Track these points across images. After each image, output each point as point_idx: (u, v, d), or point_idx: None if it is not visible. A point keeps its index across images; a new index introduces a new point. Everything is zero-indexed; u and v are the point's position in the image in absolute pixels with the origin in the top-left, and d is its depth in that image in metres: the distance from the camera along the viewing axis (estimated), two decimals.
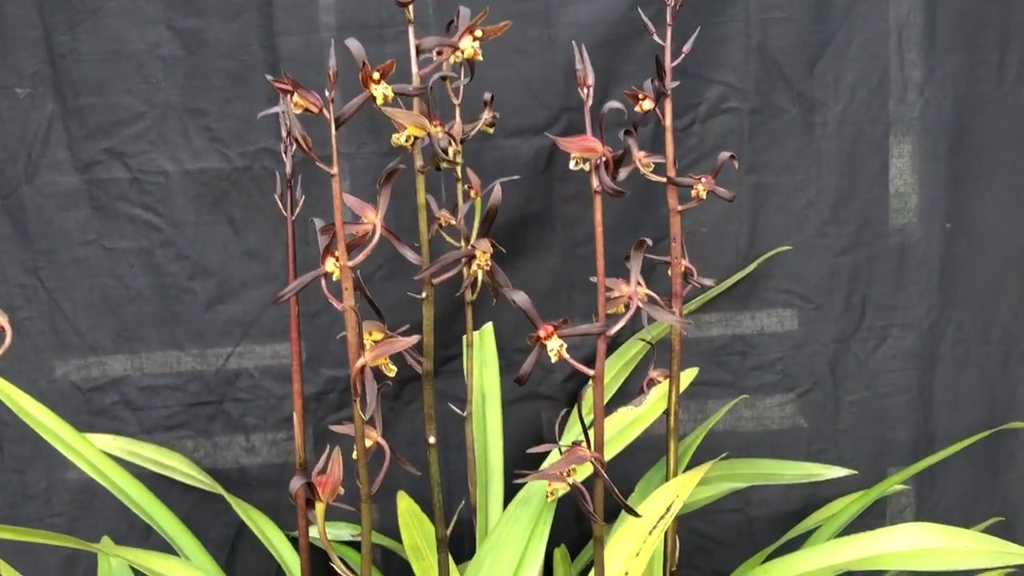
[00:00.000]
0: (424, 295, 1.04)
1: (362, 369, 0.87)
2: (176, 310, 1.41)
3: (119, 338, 1.41)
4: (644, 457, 1.34)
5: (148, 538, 1.40)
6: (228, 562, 1.48)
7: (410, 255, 0.89)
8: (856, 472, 1.40)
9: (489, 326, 1.38)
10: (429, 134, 0.95)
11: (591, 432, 0.91)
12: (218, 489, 1.36)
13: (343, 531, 1.45)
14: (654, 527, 1.04)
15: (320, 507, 0.88)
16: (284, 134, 1.09)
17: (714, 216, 1.44)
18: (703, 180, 1.10)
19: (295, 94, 0.82)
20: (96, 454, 1.24)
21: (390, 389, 1.46)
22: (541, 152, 1.40)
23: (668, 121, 1.12)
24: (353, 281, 0.86)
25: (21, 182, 1.36)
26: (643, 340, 1.25)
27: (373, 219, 0.87)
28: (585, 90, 0.86)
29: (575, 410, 1.42)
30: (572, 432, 1.24)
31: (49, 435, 1.23)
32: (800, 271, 1.46)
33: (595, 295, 1.22)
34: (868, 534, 1.14)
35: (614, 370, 1.43)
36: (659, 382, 1.20)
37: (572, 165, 0.86)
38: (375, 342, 0.88)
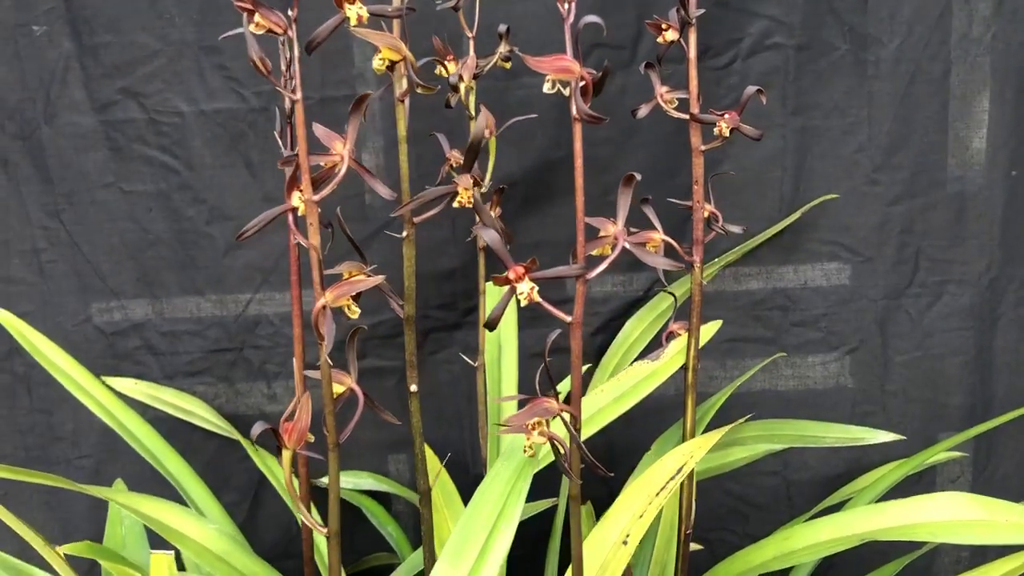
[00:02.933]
0: (405, 234, 0.98)
1: (323, 309, 0.82)
2: (194, 255, 1.38)
3: (140, 283, 1.39)
4: (672, 416, 1.28)
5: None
6: (251, 508, 1.48)
7: (382, 190, 0.84)
8: (904, 438, 1.31)
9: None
10: (406, 58, 0.88)
11: (568, 384, 0.84)
12: (236, 435, 1.35)
13: (365, 480, 1.43)
14: (662, 488, 0.98)
15: (287, 454, 0.84)
16: (284, 66, 1.04)
17: (756, 161, 1.35)
18: (726, 116, 1.02)
19: (256, 13, 0.76)
20: (110, 399, 1.24)
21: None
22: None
23: (691, 53, 1.03)
24: (322, 218, 0.81)
25: (40, 123, 1.34)
26: (668, 292, 1.17)
27: (341, 150, 0.82)
28: (566, 4, 0.78)
29: (599, 367, 1.36)
30: (593, 392, 1.17)
31: (64, 378, 1.23)
32: (848, 221, 1.36)
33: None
34: (900, 502, 1.06)
35: (644, 324, 1.36)
36: (679, 335, 1.13)
37: (546, 88, 0.79)
38: (346, 280, 0.83)
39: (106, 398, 1.23)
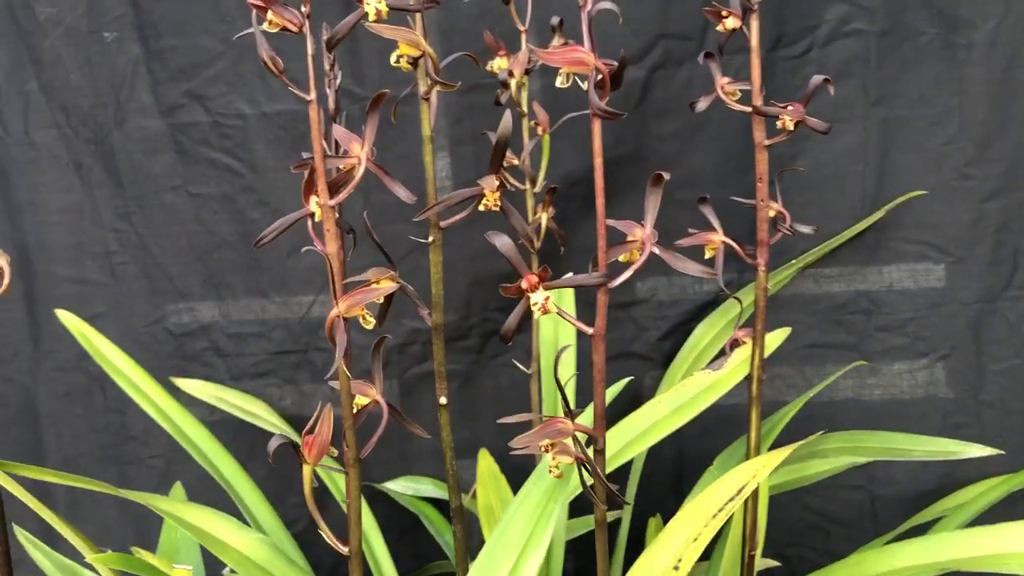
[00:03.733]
0: (431, 239, 0.93)
1: (337, 319, 0.78)
2: (259, 257, 1.38)
3: (207, 284, 1.40)
4: (729, 429, 1.21)
5: None
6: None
7: (401, 192, 0.80)
8: (1002, 452, 1.21)
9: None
10: (426, 54, 0.84)
11: (593, 402, 0.79)
12: (297, 439, 1.34)
13: (425, 485, 1.40)
14: (720, 510, 0.91)
15: (307, 469, 0.82)
16: (328, 67, 1.02)
17: (835, 156, 1.27)
18: (790, 108, 0.95)
19: (269, 11, 0.74)
20: (170, 403, 1.24)
21: (474, 342, 1.39)
22: (633, 85, 1.27)
23: (753, 41, 0.97)
24: (340, 223, 0.78)
25: (112, 127, 1.36)
26: (735, 298, 1.11)
27: (358, 152, 0.79)
28: None
29: (667, 375, 1.30)
30: (651, 403, 1.11)
31: (124, 381, 1.24)
32: (938, 219, 1.27)
33: (694, 248, 1.10)
34: (990, 528, 0.97)
35: (715, 329, 1.29)
36: (743, 343, 1.06)
37: (559, 82, 0.74)
38: (361, 289, 0.79)
39: (166, 402, 1.23)
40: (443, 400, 0.98)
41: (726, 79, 1.00)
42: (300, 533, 1.43)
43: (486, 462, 1.23)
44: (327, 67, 1.03)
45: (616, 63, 0.74)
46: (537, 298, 0.72)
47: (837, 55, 1.23)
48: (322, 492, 1.46)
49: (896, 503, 1.35)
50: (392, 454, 1.45)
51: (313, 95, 0.76)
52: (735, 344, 1.07)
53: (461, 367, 1.39)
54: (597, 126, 0.74)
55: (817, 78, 0.94)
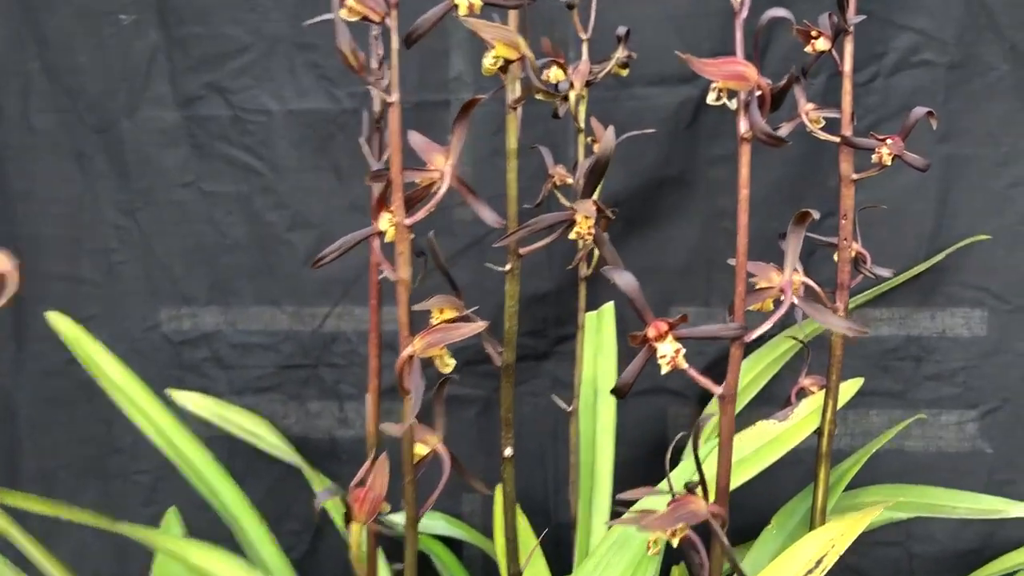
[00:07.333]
0: (508, 267, 0.82)
1: (409, 360, 0.69)
2: (273, 263, 1.29)
3: (213, 289, 1.31)
4: (786, 475, 1.13)
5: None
6: (313, 540, 1.37)
7: (487, 215, 0.72)
8: None
9: (609, 306, 1.19)
10: (525, 57, 0.76)
11: (713, 471, 0.70)
12: (300, 463, 1.24)
13: (437, 522, 1.30)
14: None
15: (355, 528, 0.72)
16: (375, 63, 0.94)
17: (894, 192, 1.20)
18: (889, 141, 0.88)
19: None
20: (167, 419, 1.14)
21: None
22: (686, 104, 1.20)
23: (847, 66, 0.90)
24: (413, 244, 0.69)
25: (121, 116, 1.27)
26: (794, 339, 1.03)
27: (442, 165, 0.70)
28: None
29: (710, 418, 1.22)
30: (688, 463, 1.02)
31: (117, 393, 1.14)
32: (996, 264, 1.21)
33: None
34: None
35: (756, 370, 1.21)
36: (811, 392, 0.99)
37: (711, 98, 0.65)
38: (443, 323, 0.70)
39: (162, 418, 1.13)
40: (508, 452, 0.87)
41: (811, 105, 0.93)
42: (296, 562, 1.33)
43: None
44: (375, 66, 0.95)
45: (781, 84, 0.65)
46: (665, 350, 0.63)
47: (903, 86, 1.18)
48: (320, 514, 1.36)
49: (934, 562, 1.28)
50: (395, 483, 1.36)
51: (395, 96, 0.67)
52: (801, 393, 0.99)
53: (482, 392, 1.31)
54: (746, 151, 0.66)
55: (920, 110, 0.87)
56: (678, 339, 0.63)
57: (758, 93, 0.63)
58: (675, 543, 0.67)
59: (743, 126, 0.67)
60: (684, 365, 0.63)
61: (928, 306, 1.23)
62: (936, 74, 1.17)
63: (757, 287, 0.73)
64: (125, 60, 1.25)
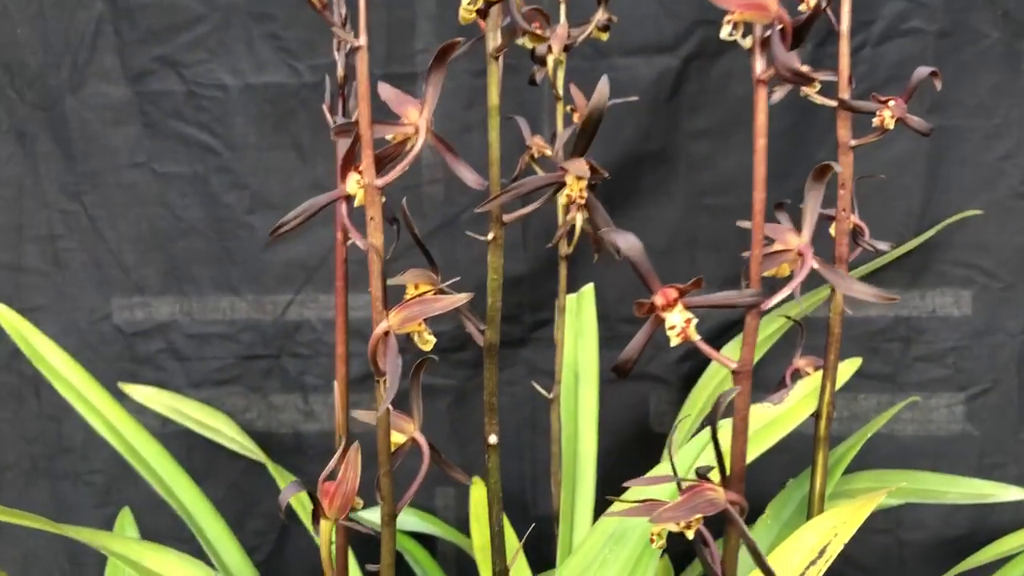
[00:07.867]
0: (491, 236, 0.73)
1: (385, 336, 0.63)
2: (231, 248, 1.22)
3: (167, 277, 1.24)
4: (774, 461, 1.08)
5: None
6: (279, 540, 1.30)
7: (468, 176, 0.65)
8: None
9: (589, 288, 1.13)
10: None
11: (726, 457, 0.63)
12: (263, 459, 1.17)
13: (409, 517, 1.24)
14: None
15: (326, 526, 0.65)
16: (339, 21, 0.87)
17: (882, 166, 1.16)
18: (892, 103, 0.83)
19: None
20: (120, 416, 1.07)
21: (471, 355, 1.24)
22: (666, 75, 1.15)
23: (844, 26, 0.84)
24: (385, 210, 0.63)
25: (65, 92, 1.19)
26: (787, 317, 0.98)
27: (416, 119, 0.63)
28: None
29: (685, 405, 1.17)
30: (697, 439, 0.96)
31: (66, 388, 1.06)
32: (988, 240, 1.17)
33: (726, 257, 0.96)
34: None
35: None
36: (807, 374, 0.93)
37: (724, 33, 0.58)
38: (417, 298, 0.64)
39: (115, 414, 1.06)
40: (492, 439, 0.79)
41: (806, 67, 0.87)
42: (260, 563, 1.26)
43: (480, 492, 1.09)
44: (338, 22, 0.88)
45: (802, 18, 0.58)
46: (674, 319, 0.56)
47: (891, 55, 1.13)
48: (286, 512, 1.29)
49: (925, 548, 1.24)
50: (367, 476, 1.29)
51: (363, 39, 0.60)
52: (796, 374, 0.94)
53: (455, 382, 1.25)
54: (762, 95, 0.59)
55: (923, 70, 0.82)
56: (688, 308, 0.57)
57: (779, 27, 0.56)
58: (690, 535, 0.61)
59: (759, 66, 0.60)
60: (696, 337, 0.57)
61: (917, 285, 1.19)
62: (925, 42, 1.12)
63: (771, 250, 0.67)
64: (68, 31, 1.18)
